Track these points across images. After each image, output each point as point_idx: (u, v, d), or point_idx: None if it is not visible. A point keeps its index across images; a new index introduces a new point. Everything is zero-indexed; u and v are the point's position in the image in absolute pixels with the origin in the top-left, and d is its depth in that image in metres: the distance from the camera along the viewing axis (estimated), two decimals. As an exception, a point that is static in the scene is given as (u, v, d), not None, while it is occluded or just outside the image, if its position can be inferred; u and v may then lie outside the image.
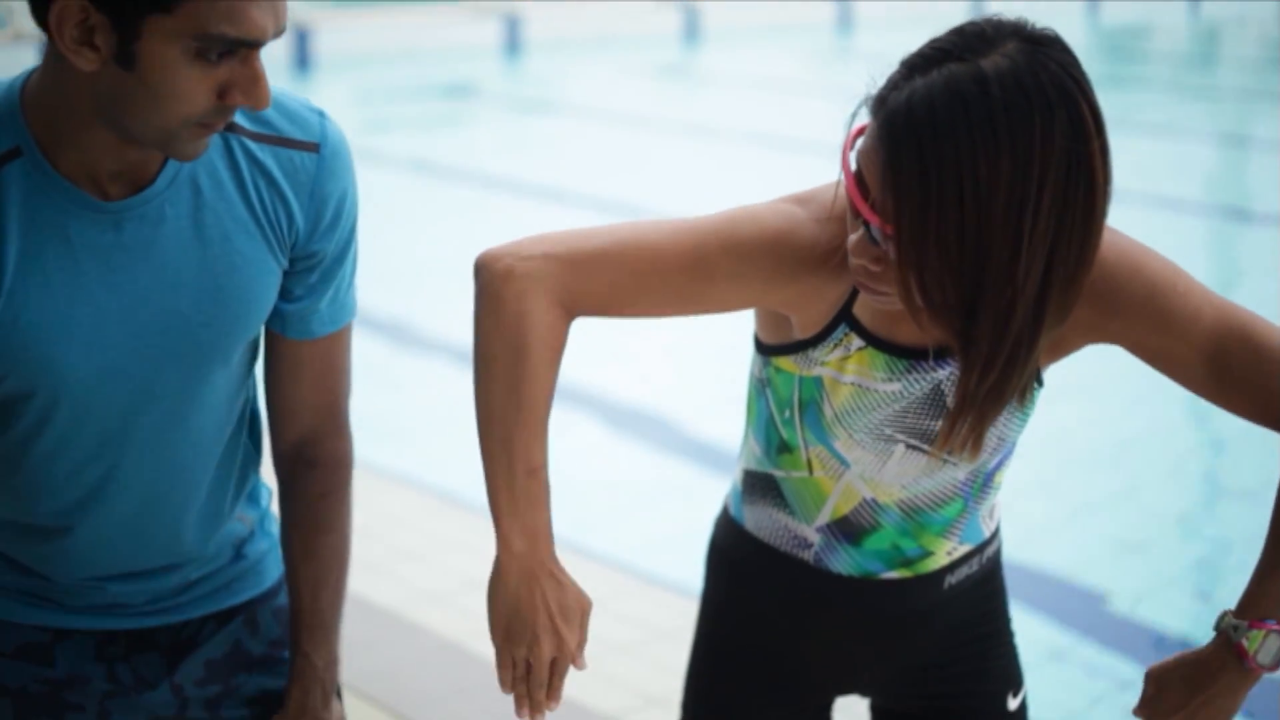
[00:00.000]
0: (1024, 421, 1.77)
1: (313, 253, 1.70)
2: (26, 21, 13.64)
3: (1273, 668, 1.65)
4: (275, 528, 1.91)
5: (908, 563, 1.88)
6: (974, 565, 1.93)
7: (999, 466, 1.85)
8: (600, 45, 17.84)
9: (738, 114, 13.26)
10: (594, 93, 14.98)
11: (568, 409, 6.19)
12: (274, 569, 1.89)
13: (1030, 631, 4.31)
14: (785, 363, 1.78)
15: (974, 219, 1.49)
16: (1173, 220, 9.00)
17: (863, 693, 2.01)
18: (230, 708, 1.85)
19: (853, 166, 1.59)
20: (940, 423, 1.75)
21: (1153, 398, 5.79)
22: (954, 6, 21.05)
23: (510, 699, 1.65)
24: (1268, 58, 17.99)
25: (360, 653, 3.51)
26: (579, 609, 1.64)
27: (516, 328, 1.62)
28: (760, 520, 1.91)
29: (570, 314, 1.66)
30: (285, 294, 1.72)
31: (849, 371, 1.75)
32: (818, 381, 1.77)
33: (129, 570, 1.76)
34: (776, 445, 1.85)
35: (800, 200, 1.71)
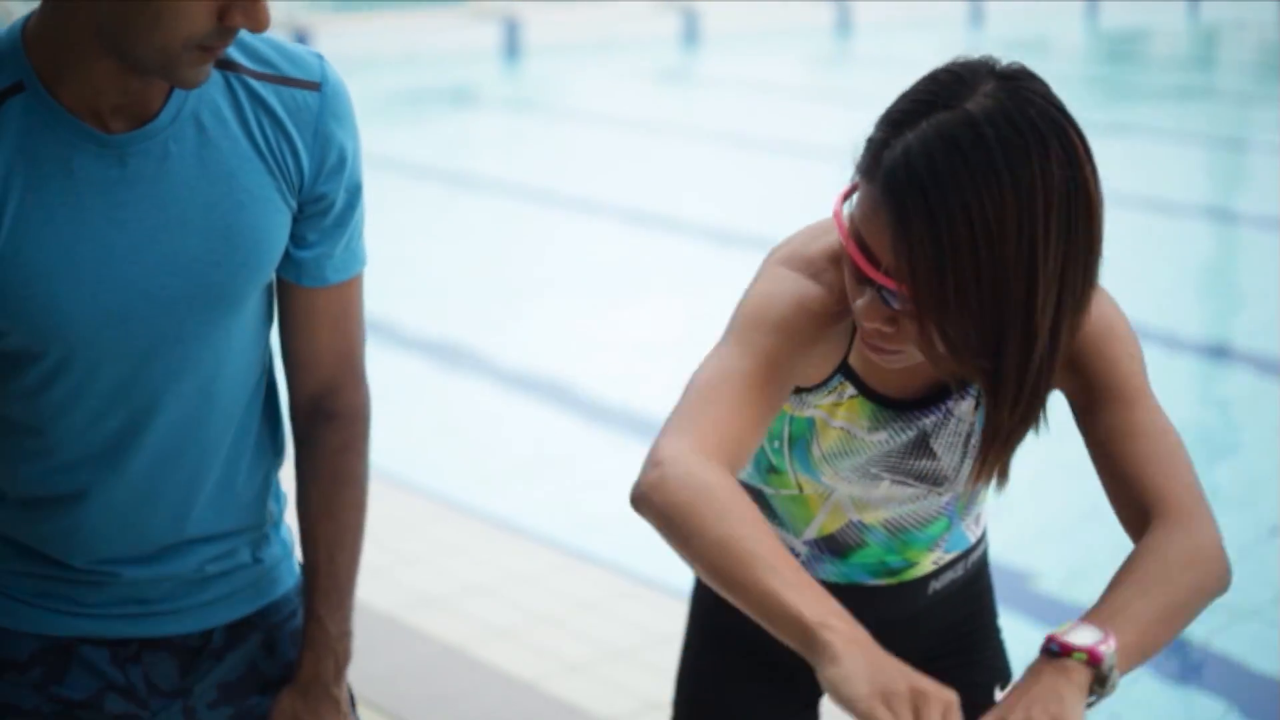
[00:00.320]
0: None
1: (321, 195, 1.71)
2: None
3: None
4: (289, 536, 1.90)
5: (893, 573, 1.93)
6: (959, 570, 1.97)
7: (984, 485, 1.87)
8: (599, 49, 17.85)
9: (737, 117, 13.26)
10: (593, 96, 14.99)
11: (569, 414, 6.20)
12: (288, 577, 1.88)
13: (1023, 634, 4.31)
14: None
15: (989, 262, 1.48)
16: (1171, 223, 9.01)
17: None
18: None
19: (845, 224, 1.58)
20: (926, 462, 1.79)
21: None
22: (953, 7, 21.07)
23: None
24: (1267, 61, 18.00)
25: (360, 657, 3.49)
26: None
27: (697, 492, 1.53)
28: None
29: (723, 462, 1.58)
30: (299, 241, 1.72)
31: (839, 417, 1.77)
32: (809, 421, 1.79)
33: (141, 551, 1.74)
34: (766, 467, 1.89)
35: (789, 261, 1.70)
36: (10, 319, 1.60)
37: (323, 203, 1.71)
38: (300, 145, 1.68)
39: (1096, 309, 1.62)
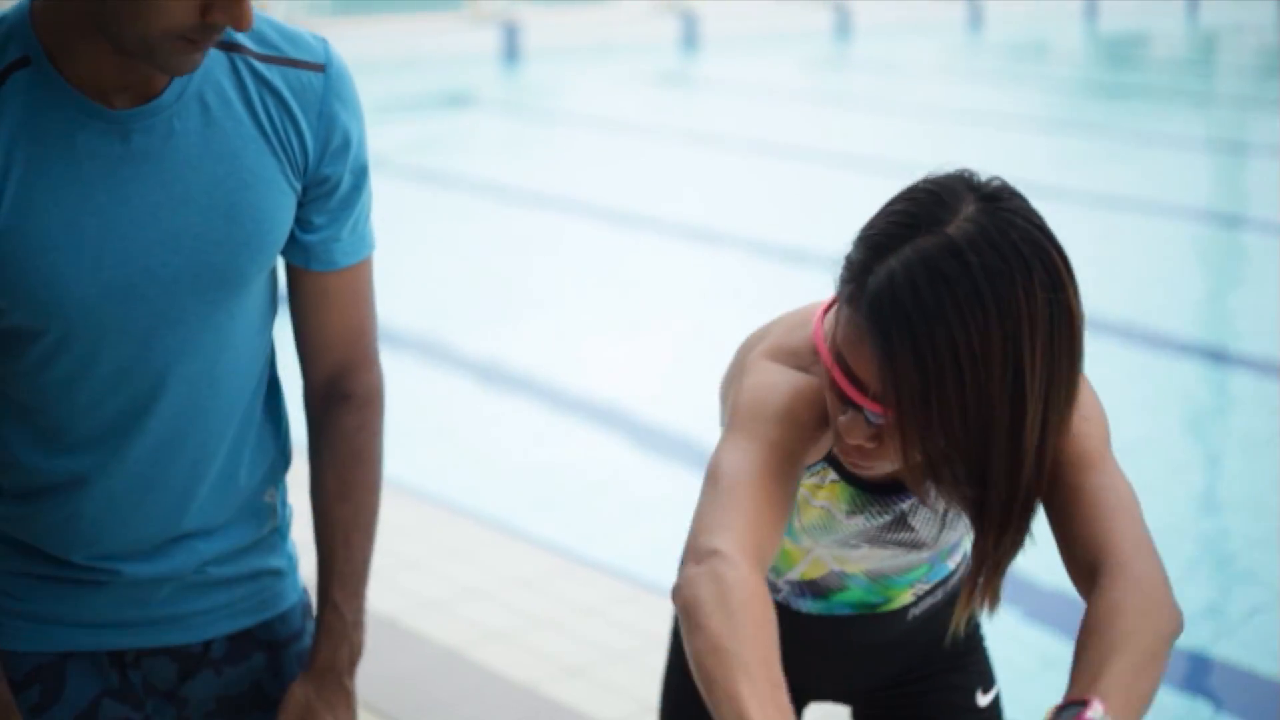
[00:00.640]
0: None
1: (325, 177, 1.71)
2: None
3: None
4: (295, 551, 1.90)
5: (873, 607, 1.97)
6: (939, 595, 2.01)
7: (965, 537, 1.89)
8: (599, 52, 17.86)
9: (736, 121, 13.26)
10: (592, 100, 15.00)
11: (567, 419, 6.20)
12: (291, 592, 1.88)
13: (1022, 639, 4.31)
14: None
15: (974, 392, 1.47)
16: (1170, 227, 9.00)
17: (833, 700, 2.10)
18: None
19: (827, 345, 1.57)
20: (905, 534, 1.80)
21: (1148, 406, 5.83)
22: (952, 10, 21.08)
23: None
24: (1265, 65, 18.02)
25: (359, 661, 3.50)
26: None
27: (720, 599, 1.49)
28: None
29: (754, 561, 1.54)
30: (306, 224, 1.73)
31: (819, 497, 1.78)
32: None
33: (140, 546, 1.73)
34: None
35: (774, 355, 1.69)
36: (11, 292, 1.60)
37: (327, 184, 1.72)
38: (304, 126, 1.68)
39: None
